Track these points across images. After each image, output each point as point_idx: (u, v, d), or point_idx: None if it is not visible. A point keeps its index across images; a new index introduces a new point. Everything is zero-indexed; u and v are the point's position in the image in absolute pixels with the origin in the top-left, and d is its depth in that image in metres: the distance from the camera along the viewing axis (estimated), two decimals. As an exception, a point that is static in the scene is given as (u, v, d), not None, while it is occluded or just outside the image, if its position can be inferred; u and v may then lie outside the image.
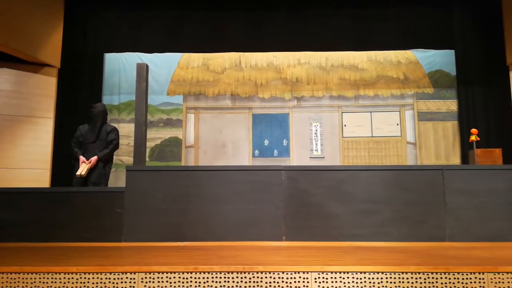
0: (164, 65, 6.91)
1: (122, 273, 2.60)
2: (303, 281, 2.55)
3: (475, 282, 2.51)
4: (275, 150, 6.74)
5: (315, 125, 6.76)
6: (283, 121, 6.81)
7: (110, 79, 6.82)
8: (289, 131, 6.78)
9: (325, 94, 6.84)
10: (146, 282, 2.57)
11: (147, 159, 6.34)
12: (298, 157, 6.68)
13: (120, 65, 6.87)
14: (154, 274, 2.59)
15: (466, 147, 6.02)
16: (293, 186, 4.29)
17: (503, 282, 2.49)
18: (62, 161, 5.84)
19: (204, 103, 6.87)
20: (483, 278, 2.51)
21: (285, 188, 4.28)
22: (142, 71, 4.78)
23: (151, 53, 6.78)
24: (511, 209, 4.23)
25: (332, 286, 2.54)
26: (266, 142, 6.75)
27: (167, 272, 2.59)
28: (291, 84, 6.87)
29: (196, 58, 6.94)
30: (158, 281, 2.57)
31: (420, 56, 6.82)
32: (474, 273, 2.52)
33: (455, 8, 6.47)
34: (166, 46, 6.67)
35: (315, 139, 6.73)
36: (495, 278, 2.51)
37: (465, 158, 6.18)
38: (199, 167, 5.74)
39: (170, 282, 2.57)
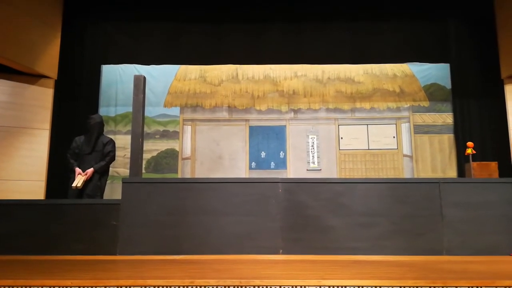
0: (161, 77, 6.93)
1: (117, 287, 2.56)
2: (301, 296, 2.53)
3: (473, 296, 2.49)
4: (272, 162, 6.73)
5: (311, 138, 6.78)
6: (280, 133, 6.82)
7: (107, 90, 6.82)
8: (286, 143, 6.79)
9: (321, 106, 6.87)
10: (142, 297, 2.53)
11: (143, 171, 6.31)
12: (294, 170, 6.68)
13: (117, 77, 6.89)
14: (149, 288, 2.55)
15: (462, 160, 6.05)
16: (290, 198, 4.28)
17: (501, 297, 2.48)
18: (58, 173, 5.80)
19: (201, 115, 6.88)
20: (481, 293, 2.49)
21: (282, 201, 4.27)
22: (140, 82, 4.79)
23: (149, 65, 6.81)
24: (508, 222, 4.23)
25: (330, 301, 2.52)
26: (263, 154, 6.76)
27: (163, 286, 2.55)
28: (288, 96, 6.91)
29: (193, 70, 6.97)
30: (154, 296, 2.53)
31: (415, 70, 6.89)
32: (472, 287, 2.51)
33: (450, 22, 6.56)
34: (164, 58, 6.70)
35: (311, 151, 6.74)
36: (493, 292, 2.49)
37: (461, 171, 6.21)
38: (195, 179, 5.72)
39: (166, 297, 2.53)
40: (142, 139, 4.69)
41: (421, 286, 2.52)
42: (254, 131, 6.84)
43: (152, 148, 6.73)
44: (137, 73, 6.11)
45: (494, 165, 4.89)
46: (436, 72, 6.84)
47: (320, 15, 6.59)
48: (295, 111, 6.88)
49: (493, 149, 5.99)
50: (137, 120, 4.67)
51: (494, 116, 6.13)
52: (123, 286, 2.56)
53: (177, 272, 3.00)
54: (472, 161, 4.91)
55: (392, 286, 2.53)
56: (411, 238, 4.19)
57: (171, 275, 2.83)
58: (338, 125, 6.82)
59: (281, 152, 6.76)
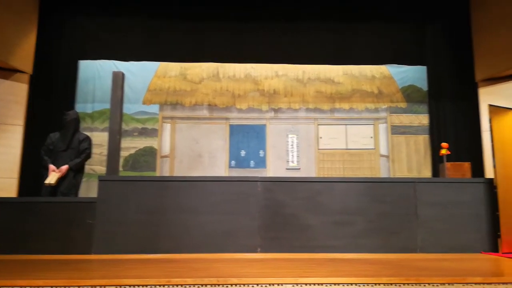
0: (141, 73, 6.83)
1: (91, 286, 2.52)
2: (277, 294, 2.54)
3: (444, 293, 2.56)
4: (252, 161, 6.74)
5: (291, 137, 6.82)
6: (260, 132, 6.83)
7: (84, 86, 6.68)
8: (266, 142, 6.80)
9: (301, 106, 6.92)
10: (116, 296, 2.50)
11: (120, 168, 6.21)
12: (274, 168, 6.71)
13: (94, 73, 6.75)
14: (125, 287, 2.52)
15: (437, 161, 6.19)
16: (269, 197, 4.30)
17: (471, 293, 2.55)
18: (31, 170, 5.64)
19: (180, 113, 6.82)
20: (452, 289, 2.56)
21: (261, 199, 4.28)
22: (118, 79, 4.72)
23: (128, 61, 6.70)
24: (479, 221, 4.37)
25: (306, 298, 2.54)
26: (242, 153, 6.75)
27: (138, 286, 2.53)
28: (268, 95, 6.92)
29: (173, 68, 6.90)
30: (129, 295, 2.50)
31: (393, 71, 7.02)
32: (444, 284, 2.58)
33: (427, 25, 6.71)
34: (143, 54, 6.61)
35: (291, 150, 6.78)
36: (463, 289, 2.57)
37: (436, 171, 6.35)
38: (174, 177, 5.66)
39: (142, 296, 2.50)
40: (120, 136, 4.62)
41: (396, 283, 2.58)
42: (234, 130, 6.83)
43: (130, 145, 6.63)
44: (115, 69, 6.00)
45: (467, 165, 5.04)
46: (413, 74, 6.98)
47: (301, 15, 6.63)
48: (276, 111, 6.90)
49: (467, 150, 6.16)
50: (115, 117, 4.61)
51: (468, 118, 6.30)
52: (98, 285, 2.52)
53: (153, 271, 2.97)
54: (446, 161, 5.04)
55: (367, 283, 2.58)
56: (387, 236, 4.27)
57: (147, 274, 2.80)
58: (318, 125, 6.88)
59: (261, 151, 6.77)
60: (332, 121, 6.90)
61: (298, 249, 4.16)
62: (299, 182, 4.42)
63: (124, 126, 6.44)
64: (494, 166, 4.37)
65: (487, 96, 5.97)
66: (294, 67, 6.99)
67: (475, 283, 2.58)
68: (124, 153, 6.45)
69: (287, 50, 6.67)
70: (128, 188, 4.23)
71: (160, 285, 2.53)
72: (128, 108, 6.63)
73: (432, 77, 6.73)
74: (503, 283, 2.59)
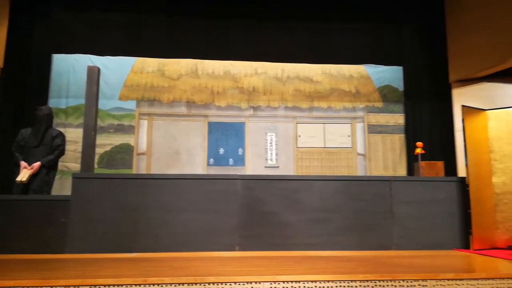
0: (117, 69, 6.69)
1: (65, 286, 2.45)
2: (255, 292, 2.54)
3: (418, 289, 2.62)
4: (231, 159, 6.72)
5: (270, 135, 6.83)
6: (239, 130, 6.81)
7: (58, 81, 6.49)
8: (245, 140, 6.79)
9: (280, 104, 6.94)
10: (91, 296, 2.44)
11: (95, 166, 6.08)
12: (253, 167, 6.70)
13: (69, 67, 6.56)
14: (100, 287, 2.46)
15: (411, 159, 6.33)
16: (248, 195, 4.29)
17: (443, 289, 2.63)
18: (2, 167, 5.44)
19: (158, 110, 6.72)
20: (425, 285, 2.63)
21: (240, 198, 4.27)
22: (93, 74, 4.61)
23: (104, 56, 6.55)
24: (452, 218, 4.49)
25: (284, 296, 2.55)
26: (221, 151, 6.72)
27: (114, 285, 2.47)
28: (247, 93, 6.91)
29: (151, 63, 6.79)
30: (104, 295, 2.45)
31: (371, 71, 7.12)
32: (418, 280, 2.64)
33: (404, 27, 6.85)
34: (120, 49, 6.48)
35: (270, 148, 6.79)
36: (436, 284, 2.63)
37: (410, 169, 6.50)
38: (151, 175, 5.58)
39: (117, 296, 2.46)
40: (95, 132, 4.52)
41: (371, 280, 2.62)
42: (213, 127, 6.78)
43: (105, 142, 6.48)
44: (91, 64, 5.84)
45: (440, 164, 5.17)
46: (390, 75, 7.11)
47: (281, 14, 6.65)
48: (255, 108, 6.90)
49: (440, 149, 6.32)
50: (90, 113, 4.49)
51: (442, 118, 6.47)
52: (72, 286, 2.46)
53: (129, 270, 2.92)
54: (421, 160, 5.16)
55: (344, 280, 2.61)
56: (363, 234, 4.34)
57: (123, 273, 2.75)
58: (296, 123, 6.92)
59: (240, 149, 6.76)
60: (311, 119, 6.95)
61: (276, 247, 4.17)
62: (277, 180, 4.44)
63: (100, 122, 6.29)
64: (467, 165, 4.50)
65: (460, 97, 6.14)
66: (273, 65, 7.00)
67: (448, 279, 2.66)
68: (99, 150, 6.31)
69: (266, 48, 6.68)
70: (103, 186, 4.14)
71: (136, 285, 2.49)
72: (104, 104, 6.48)
73: (408, 78, 6.88)
74: (474, 279, 2.67)
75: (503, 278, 2.69)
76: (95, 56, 6.54)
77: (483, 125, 4.69)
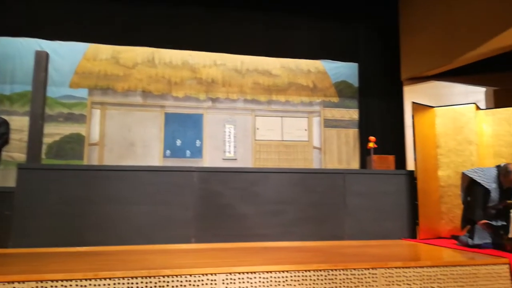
0: (68, 55, 6.34)
1: (9, 282, 2.30)
2: (211, 283, 2.53)
3: (369, 277, 2.72)
4: (188, 151, 6.61)
5: (229, 127, 6.80)
6: (197, 121, 6.71)
7: (2, 65, 6.05)
8: (203, 132, 6.71)
9: (239, 97, 6.91)
10: (36, 293, 2.32)
11: (43, 156, 5.75)
12: (210, 159, 6.65)
13: (15, 51, 6.14)
14: (47, 282, 2.34)
15: (364, 153, 6.56)
16: (205, 187, 4.25)
17: (392, 276, 2.75)
18: None
19: (112, 99, 6.47)
20: (375, 274, 2.74)
21: (196, 190, 4.22)
22: (41, 59, 4.36)
23: (54, 40, 6.19)
24: (401, 210, 4.71)
25: (240, 287, 2.56)
26: (178, 143, 6.60)
27: (62, 280, 2.36)
28: (206, 84, 6.82)
29: (104, 50, 6.50)
30: (51, 291, 2.33)
31: (328, 67, 7.27)
32: (368, 269, 2.74)
33: (360, 25, 7.04)
34: (71, 34, 6.15)
35: (228, 141, 6.76)
36: (386, 273, 2.75)
37: (363, 163, 6.73)
38: (103, 166, 5.38)
39: (65, 291, 2.35)
40: (43, 121, 4.28)
41: (325, 269, 2.69)
42: (170, 118, 6.64)
43: (54, 132, 6.15)
44: (39, 49, 5.50)
45: (391, 158, 5.39)
46: (346, 71, 7.29)
47: (240, 5, 6.60)
48: (213, 100, 6.82)
49: (392, 143, 6.58)
50: (37, 100, 4.25)
51: (394, 114, 6.75)
52: (16, 281, 2.32)
53: (79, 264, 2.80)
54: (373, 154, 5.35)
55: (299, 270, 2.66)
56: (317, 224, 4.45)
57: (73, 268, 2.63)
58: (255, 116, 6.93)
59: (198, 140, 6.67)
60: (269, 112, 7.00)
61: (232, 238, 4.17)
62: (235, 173, 4.43)
63: (48, 111, 5.96)
64: (415, 159, 4.72)
65: (411, 94, 6.43)
66: (232, 57, 6.95)
67: (396, 267, 2.78)
68: (47, 140, 5.98)
69: (225, 39, 6.62)
70: (51, 177, 3.93)
71: (87, 279, 2.39)
72: (53, 91, 6.13)
73: (362, 74, 7.10)
74: (420, 267, 2.82)
75: (446, 266, 2.87)
76: (44, 40, 6.16)
77: (431, 122, 4.94)
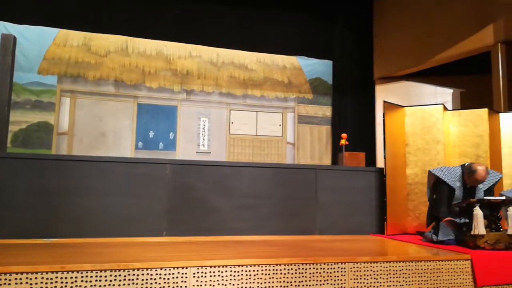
0: (36, 39, 6.10)
1: (-32, 276, 2.21)
2: (182, 277, 2.52)
3: (337, 271, 2.79)
4: (161, 143, 6.53)
5: (203, 120, 6.76)
6: (170, 113, 6.63)
7: (-35, 48, 5.76)
8: (177, 124, 6.63)
9: (215, 90, 6.87)
10: (1, 285, 2.24)
11: (8, 145, 5.54)
12: (184, 151, 6.59)
13: (-21, 33, 5.86)
14: (11, 275, 2.27)
15: (336, 150, 6.68)
16: (177, 180, 4.21)
17: (360, 271, 2.83)
18: None
19: (82, 87, 6.28)
20: (344, 268, 2.80)
21: (169, 182, 4.18)
22: (8, 43, 4.17)
23: (21, 24, 5.94)
24: (370, 205, 4.83)
25: (211, 280, 2.56)
26: (151, 134, 6.50)
27: (27, 273, 2.29)
28: (181, 76, 6.73)
29: (75, 37, 6.29)
30: (16, 283, 2.26)
31: (303, 63, 7.33)
32: (337, 263, 2.81)
33: (335, 24, 7.15)
34: (40, 18, 5.93)
35: (202, 134, 6.72)
36: (354, 267, 2.83)
37: (335, 159, 6.86)
38: (72, 156, 5.23)
39: (31, 284, 2.28)
40: (9, 108, 4.11)
41: (295, 263, 2.73)
42: (143, 109, 6.52)
43: (21, 119, 5.92)
44: (6, 32, 5.27)
45: (362, 155, 5.50)
46: (320, 68, 7.39)
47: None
48: (188, 92, 6.75)
49: (363, 141, 6.74)
50: (3, 86, 4.07)
51: (366, 112, 6.91)
52: (-24, 274, 2.23)
53: (45, 256, 2.72)
54: (345, 151, 5.45)
55: (270, 264, 2.69)
56: (288, 219, 4.50)
57: (38, 260, 2.56)
58: (230, 110, 6.91)
59: (171, 133, 6.59)
60: (244, 107, 7.00)
61: (204, 232, 4.16)
62: (208, 166, 4.41)
63: (14, 97, 5.72)
64: (385, 157, 4.84)
65: (383, 93, 6.59)
66: (208, 49, 6.89)
67: (364, 262, 2.86)
68: (13, 128, 5.75)
69: (201, 31, 6.57)
70: (17, 167, 3.78)
71: (53, 271, 2.33)
72: (20, 77, 5.90)
73: (336, 72, 7.22)
74: (387, 262, 2.90)
75: (412, 261, 2.97)
76: (11, 24, 5.90)
77: (401, 120, 5.07)
